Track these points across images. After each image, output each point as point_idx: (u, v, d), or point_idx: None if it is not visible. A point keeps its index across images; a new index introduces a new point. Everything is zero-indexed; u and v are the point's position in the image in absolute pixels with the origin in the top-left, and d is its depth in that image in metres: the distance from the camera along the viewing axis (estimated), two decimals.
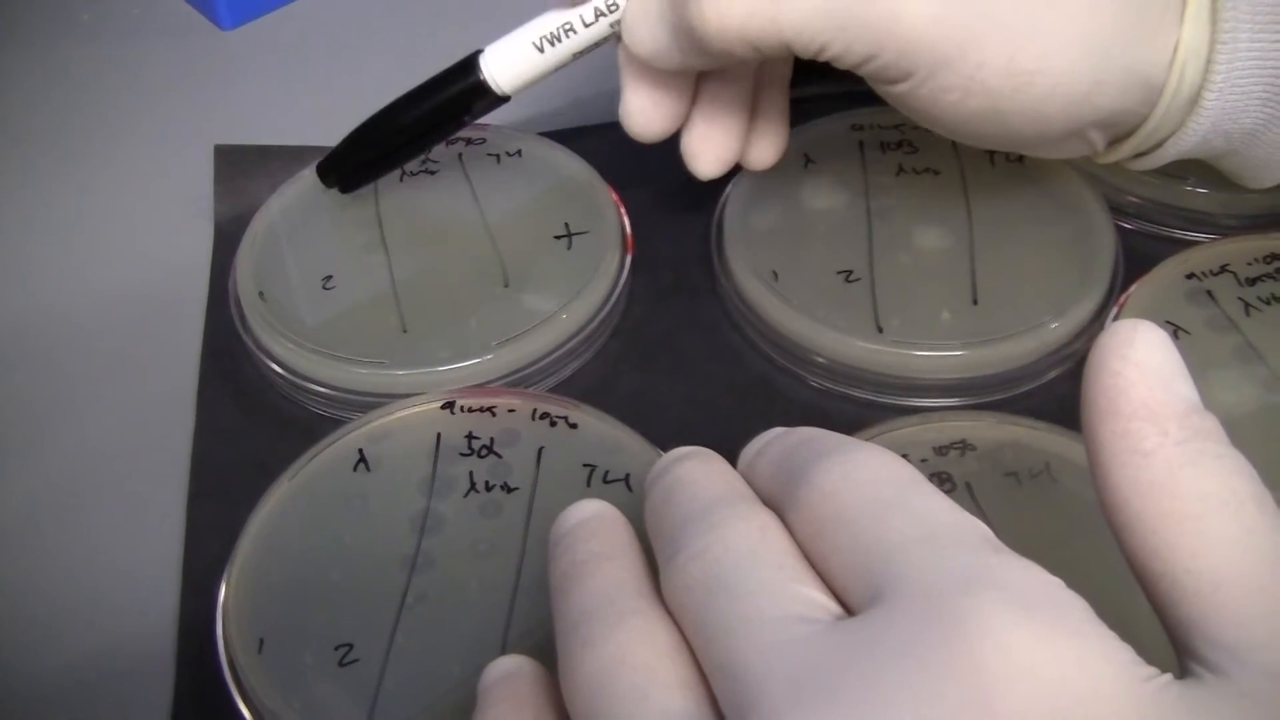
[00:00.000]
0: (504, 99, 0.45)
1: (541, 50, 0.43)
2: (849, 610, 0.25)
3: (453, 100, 0.46)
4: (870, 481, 0.27)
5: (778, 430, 0.31)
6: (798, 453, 0.29)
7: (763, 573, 0.26)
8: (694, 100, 0.45)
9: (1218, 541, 0.24)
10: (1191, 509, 0.24)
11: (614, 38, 0.43)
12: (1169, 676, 0.23)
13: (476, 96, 0.45)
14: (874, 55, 0.38)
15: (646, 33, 0.41)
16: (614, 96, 0.44)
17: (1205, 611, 0.24)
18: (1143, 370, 0.25)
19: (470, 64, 0.45)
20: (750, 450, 0.31)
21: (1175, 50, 0.38)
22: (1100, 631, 0.23)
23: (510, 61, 0.44)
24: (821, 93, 0.52)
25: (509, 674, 0.30)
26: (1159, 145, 0.41)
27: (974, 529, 0.25)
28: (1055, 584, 0.24)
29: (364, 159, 0.48)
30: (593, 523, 0.31)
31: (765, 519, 0.28)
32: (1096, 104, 0.39)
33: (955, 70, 0.38)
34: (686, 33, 0.39)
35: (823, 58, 0.39)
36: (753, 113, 0.46)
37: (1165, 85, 0.39)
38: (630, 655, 0.26)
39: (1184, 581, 0.24)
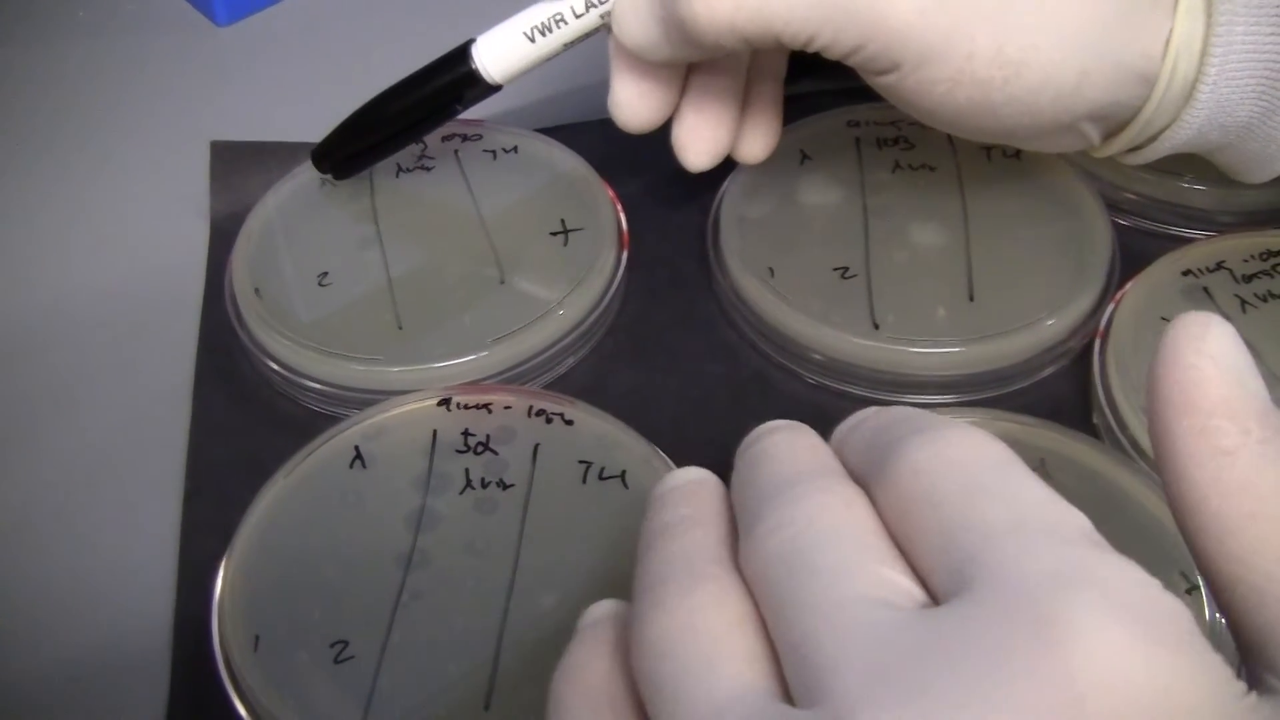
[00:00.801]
0: (495, 88, 0.46)
1: (532, 40, 0.44)
2: (933, 595, 0.24)
3: (445, 89, 0.46)
4: (963, 461, 0.25)
5: (874, 409, 0.29)
6: (891, 429, 0.27)
7: (845, 551, 0.25)
8: (684, 92, 0.45)
9: None
10: (1277, 511, 0.23)
11: (604, 29, 0.43)
12: (1255, 695, 0.22)
13: (468, 85, 0.45)
14: (861, 46, 0.38)
15: (636, 25, 0.41)
16: (608, 92, 0.44)
17: None
18: (1219, 365, 0.24)
19: (462, 53, 0.45)
20: (844, 426, 0.29)
21: (1168, 43, 0.38)
22: (1199, 642, 0.22)
23: (501, 51, 0.44)
24: (817, 89, 0.52)
25: (607, 616, 0.28)
26: (1154, 139, 0.41)
27: (1073, 520, 0.24)
28: (1154, 585, 0.22)
29: (357, 146, 0.49)
30: (690, 487, 0.29)
31: (851, 494, 0.26)
32: (1088, 95, 0.39)
33: (944, 61, 0.38)
34: (676, 25, 0.39)
35: (811, 49, 0.39)
36: (745, 106, 0.46)
37: (1158, 78, 0.39)
38: (700, 622, 0.25)
39: (1265, 587, 0.23)
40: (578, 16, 0.43)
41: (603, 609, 0.29)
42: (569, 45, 0.44)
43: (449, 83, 0.46)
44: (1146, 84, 0.39)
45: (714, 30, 0.38)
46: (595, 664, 0.27)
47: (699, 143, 0.45)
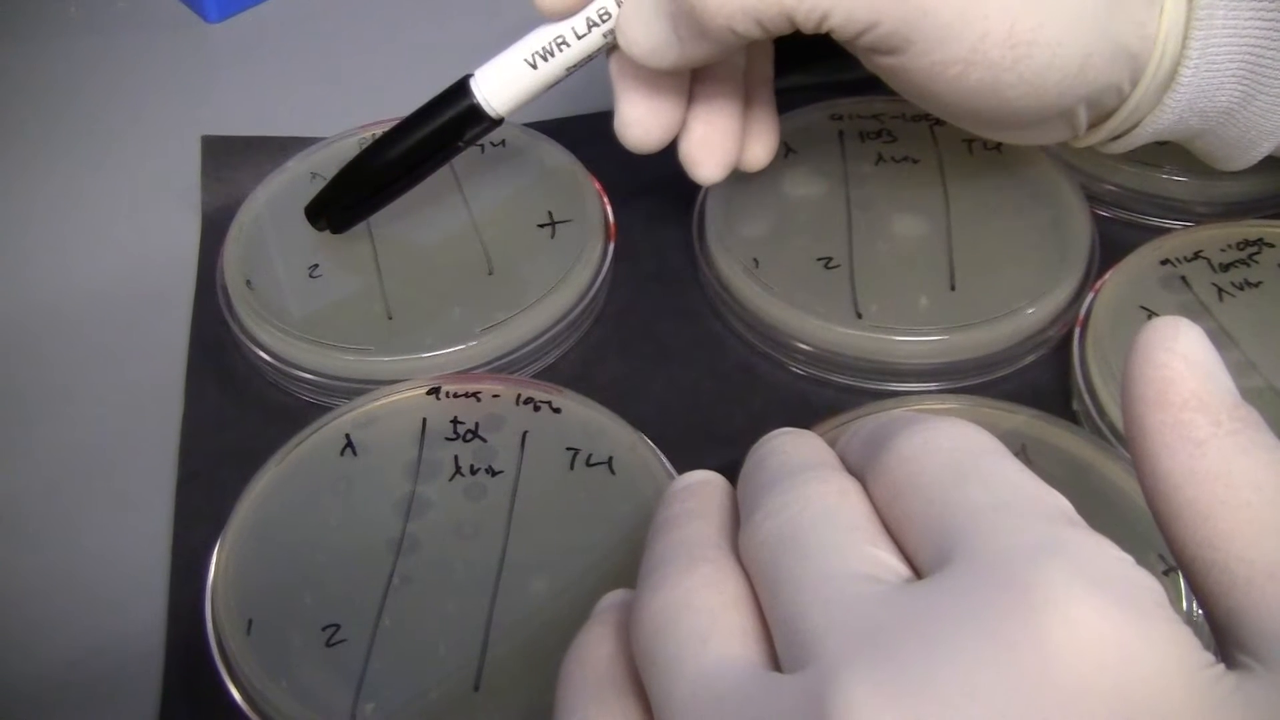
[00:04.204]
0: (497, 122, 0.44)
1: (534, 66, 0.42)
2: (919, 573, 0.25)
3: (446, 128, 0.44)
4: (950, 449, 0.27)
5: (873, 415, 0.31)
6: (886, 427, 0.29)
7: (835, 533, 0.26)
8: (689, 106, 0.44)
9: (1273, 531, 0.24)
10: (1247, 498, 0.24)
11: (605, 50, 0.43)
12: (1223, 666, 0.23)
13: (470, 122, 0.44)
14: (875, 24, 0.37)
15: (642, 30, 0.40)
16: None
17: (1256, 601, 0.23)
18: (1190, 363, 0.25)
19: (462, 88, 0.44)
20: (849, 433, 0.31)
21: (1159, 25, 0.38)
22: (1168, 614, 0.23)
23: (503, 82, 0.43)
24: (802, 83, 0.53)
25: (618, 603, 0.30)
26: (1137, 125, 0.41)
27: (1052, 500, 0.25)
28: (1127, 561, 0.24)
29: (356, 196, 0.47)
30: (696, 486, 0.31)
31: (845, 484, 0.28)
32: (1089, 77, 0.38)
33: (958, 40, 0.37)
34: (685, 17, 0.38)
35: (823, 29, 0.38)
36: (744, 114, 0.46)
37: (1148, 61, 0.39)
38: (696, 599, 0.26)
39: (1235, 570, 0.24)
40: (580, 37, 0.42)
41: (614, 597, 0.30)
42: (571, 69, 0.43)
43: (450, 120, 0.44)
44: (1138, 68, 0.39)
45: (725, 14, 0.37)
46: (602, 645, 0.28)
47: (712, 155, 0.44)
